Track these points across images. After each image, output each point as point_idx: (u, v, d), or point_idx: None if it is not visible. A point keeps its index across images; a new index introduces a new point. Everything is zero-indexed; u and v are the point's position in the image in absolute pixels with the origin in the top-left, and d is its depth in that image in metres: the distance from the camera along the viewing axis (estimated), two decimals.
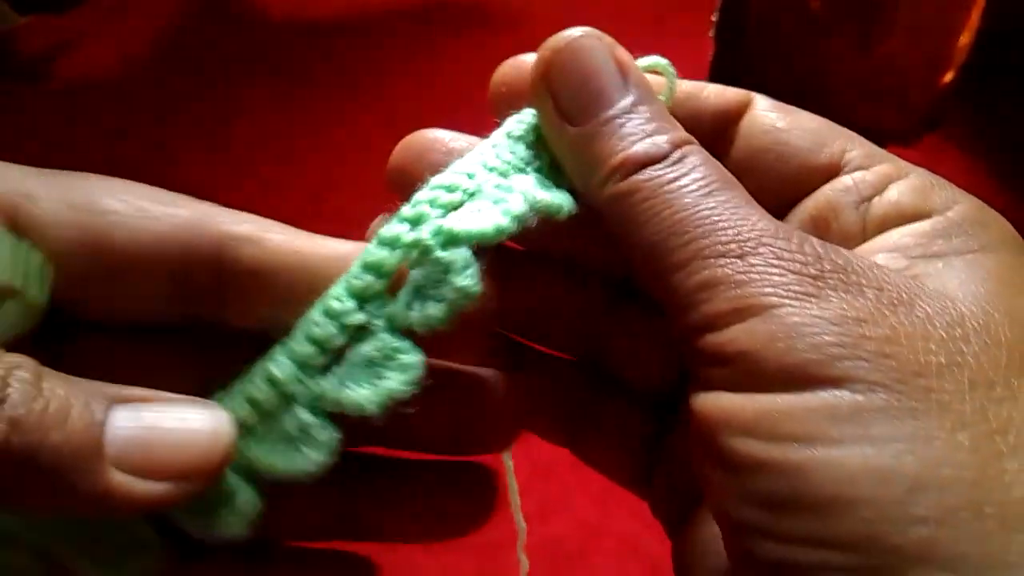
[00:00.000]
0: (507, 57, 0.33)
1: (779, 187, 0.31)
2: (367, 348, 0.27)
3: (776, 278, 0.24)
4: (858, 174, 0.30)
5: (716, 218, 0.26)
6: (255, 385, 0.27)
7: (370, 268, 0.27)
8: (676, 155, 0.27)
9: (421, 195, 0.27)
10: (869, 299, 0.24)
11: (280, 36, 0.96)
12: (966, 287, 0.25)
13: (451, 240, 0.26)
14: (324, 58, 0.95)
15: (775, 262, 0.24)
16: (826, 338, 0.23)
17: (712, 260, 0.25)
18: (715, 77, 0.63)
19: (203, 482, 0.25)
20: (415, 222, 0.27)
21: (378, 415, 0.26)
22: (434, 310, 0.26)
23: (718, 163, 0.27)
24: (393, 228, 0.27)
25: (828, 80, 0.62)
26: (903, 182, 0.29)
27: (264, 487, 0.27)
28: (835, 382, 0.22)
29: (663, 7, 0.90)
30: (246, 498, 0.27)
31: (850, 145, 0.30)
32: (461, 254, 0.26)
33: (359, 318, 0.27)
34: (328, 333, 0.27)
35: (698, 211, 0.26)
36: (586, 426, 0.33)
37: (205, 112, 0.96)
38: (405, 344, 0.26)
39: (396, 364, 0.26)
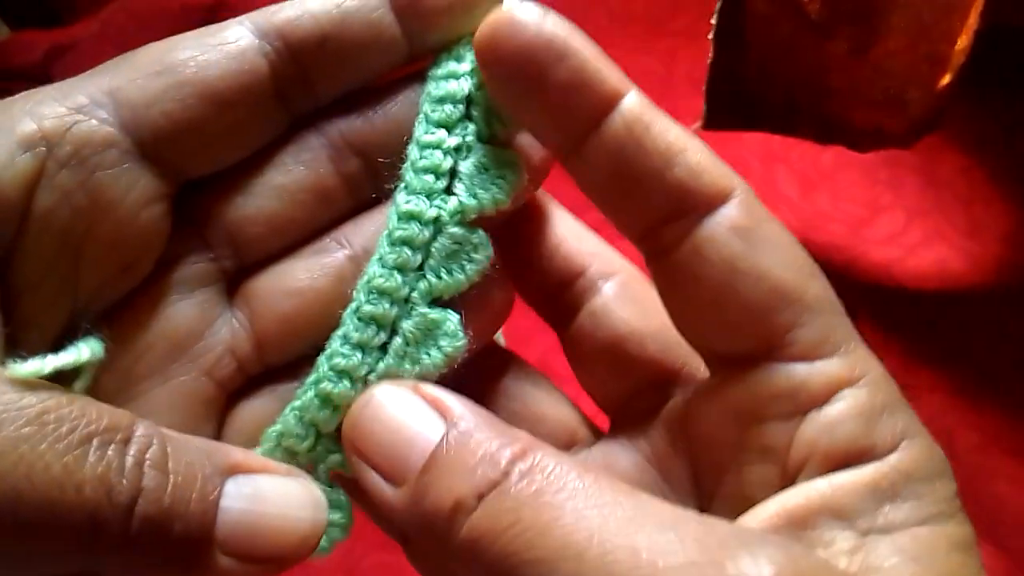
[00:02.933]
0: None
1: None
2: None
3: None
4: (802, 368, 0.26)
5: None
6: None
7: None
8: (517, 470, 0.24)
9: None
10: None
11: None
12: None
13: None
14: None
15: None
16: None
17: None
18: (714, 79, 0.63)
19: (297, 563, 0.26)
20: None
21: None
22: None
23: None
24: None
25: (826, 82, 0.62)
26: (849, 398, 0.25)
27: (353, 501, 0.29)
28: None
29: (662, 8, 0.90)
30: (337, 516, 0.28)
31: (806, 317, 0.26)
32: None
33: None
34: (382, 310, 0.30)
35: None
36: None
37: None
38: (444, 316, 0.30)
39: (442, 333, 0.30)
